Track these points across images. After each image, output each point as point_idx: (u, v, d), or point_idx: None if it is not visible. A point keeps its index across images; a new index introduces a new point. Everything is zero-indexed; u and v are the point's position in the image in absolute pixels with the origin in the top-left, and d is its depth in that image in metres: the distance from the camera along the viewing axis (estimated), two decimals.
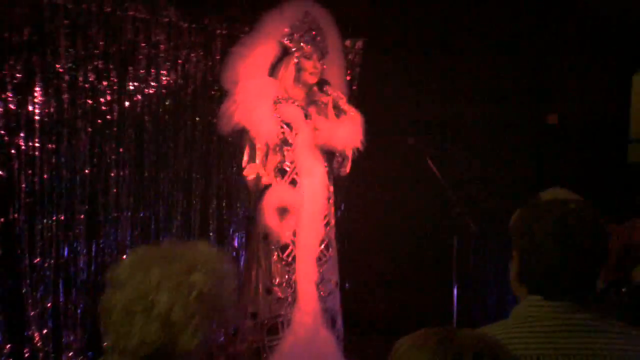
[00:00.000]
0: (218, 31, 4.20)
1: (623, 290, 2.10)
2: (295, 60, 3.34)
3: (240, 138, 3.34)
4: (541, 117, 4.58)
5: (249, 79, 3.29)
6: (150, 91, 3.99)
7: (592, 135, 4.37)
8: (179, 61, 4.08)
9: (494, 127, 4.55)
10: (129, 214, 3.90)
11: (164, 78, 4.04)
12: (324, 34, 3.39)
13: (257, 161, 3.27)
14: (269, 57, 3.35)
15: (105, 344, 1.51)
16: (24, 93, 3.59)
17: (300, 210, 3.26)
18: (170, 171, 4.08)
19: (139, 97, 3.95)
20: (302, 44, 3.33)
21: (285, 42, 3.34)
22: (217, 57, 4.16)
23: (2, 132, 3.53)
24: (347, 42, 4.40)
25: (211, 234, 4.23)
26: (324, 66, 3.39)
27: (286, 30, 3.33)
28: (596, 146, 4.31)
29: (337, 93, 3.37)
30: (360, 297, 4.45)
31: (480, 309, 4.53)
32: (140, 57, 3.94)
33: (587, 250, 1.45)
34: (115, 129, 3.86)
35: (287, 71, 3.36)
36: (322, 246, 3.34)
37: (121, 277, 1.50)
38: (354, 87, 4.50)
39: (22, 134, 3.58)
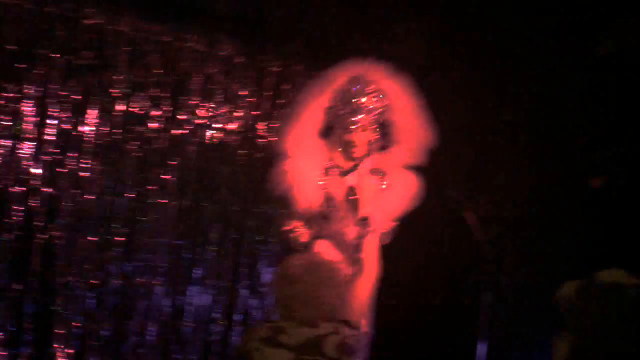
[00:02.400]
0: (270, 68, 4.25)
1: None
2: (338, 132, 3.24)
3: (284, 204, 3.28)
4: (588, 180, 4.47)
5: (299, 144, 3.22)
6: (199, 122, 4.09)
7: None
8: (230, 94, 4.15)
9: (537, 188, 4.47)
10: (166, 240, 3.97)
11: (213, 110, 4.12)
12: (382, 92, 3.22)
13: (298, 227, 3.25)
14: (317, 123, 3.24)
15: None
16: (78, 114, 3.73)
17: None
18: (210, 202, 4.13)
19: (188, 126, 4.05)
20: (343, 116, 3.20)
21: (328, 113, 3.23)
22: (269, 93, 4.22)
23: (55, 150, 3.67)
24: None
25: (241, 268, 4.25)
26: (375, 133, 3.25)
27: (329, 99, 3.21)
28: None
29: (375, 172, 3.25)
30: (384, 345, 4.42)
31: None
32: (193, 87, 4.04)
33: None
34: (161, 156, 3.95)
35: (333, 141, 3.27)
36: None
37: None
38: None
39: (73, 154, 3.71)
